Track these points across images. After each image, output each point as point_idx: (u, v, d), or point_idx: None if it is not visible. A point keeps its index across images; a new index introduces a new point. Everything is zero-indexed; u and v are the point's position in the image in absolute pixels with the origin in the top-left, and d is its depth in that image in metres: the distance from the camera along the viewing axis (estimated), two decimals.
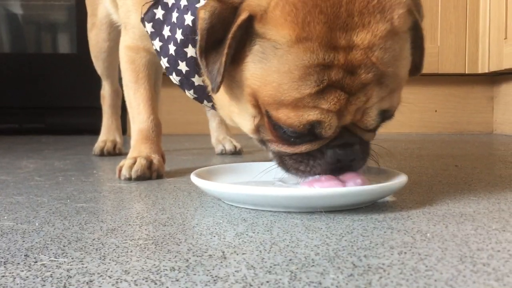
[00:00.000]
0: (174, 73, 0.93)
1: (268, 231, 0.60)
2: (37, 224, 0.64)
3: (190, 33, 0.88)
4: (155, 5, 0.94)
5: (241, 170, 0.90)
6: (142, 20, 0.96)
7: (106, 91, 1.62)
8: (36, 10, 2.48)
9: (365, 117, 0.70)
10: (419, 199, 0.78)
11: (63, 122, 2.37)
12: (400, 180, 0.74)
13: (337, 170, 0.72)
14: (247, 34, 0.69)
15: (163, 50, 0.94)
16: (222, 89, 0.75)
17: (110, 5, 1.25)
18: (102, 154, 1.49)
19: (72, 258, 0.50)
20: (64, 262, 0.49)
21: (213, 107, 0.95)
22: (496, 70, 2.15)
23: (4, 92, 2.32)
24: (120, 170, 1.03)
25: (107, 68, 1.55)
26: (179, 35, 0.89)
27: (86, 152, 1.60)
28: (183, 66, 0.92)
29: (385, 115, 0.72)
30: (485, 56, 2.23)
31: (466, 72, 2.29)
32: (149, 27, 0.95)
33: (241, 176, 0.88)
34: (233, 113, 0.78)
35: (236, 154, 1.53)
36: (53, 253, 0.52)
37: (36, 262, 0.49)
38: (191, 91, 0.94)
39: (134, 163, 1.03)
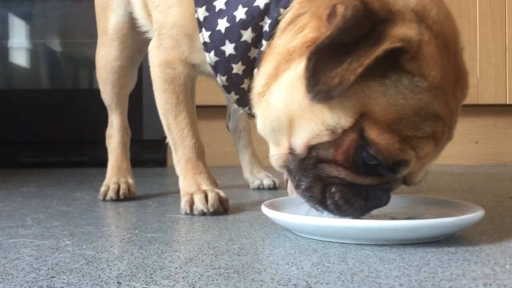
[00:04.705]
0: (213, 52, 0.84)
1: (342, 261, 0.61)
2: (116, 253, 0.67)
3: (257, 16, 0.80)
4: None
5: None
6: None
7: (114, 128, 1.33)
8: (74, 47, 2.58)
9: (419, 171, 0.71)
10: (485, 231, 0.78)
11: (105, 155, 2.42)
12: (478, 212, 0.73)
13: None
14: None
15: (208, 22, 0.84)
16: (291, 87, 0.70)
17: (141, 11, 1.11)
18: (117, 198, 1.20)
19: (163, 286, 0.52)
20: None
21: (239, 101, 0.89)
22: None
23: (48, 127, 2.39)
24: (190, 205, 0.96)
25: (117, 94, 1.30)
26: (240, 13, 0.80)
27: None
28: (229, 48, 0.83)
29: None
30: None
31: (507, 103, 2.27)
32: None
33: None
34: (301, 118, 0.69)
35: (273, 189, 1.40)
36: (143, 280, 0.54)
37: None
38: (224, 78, 0.87)
39: (205, 196, 0.96)
